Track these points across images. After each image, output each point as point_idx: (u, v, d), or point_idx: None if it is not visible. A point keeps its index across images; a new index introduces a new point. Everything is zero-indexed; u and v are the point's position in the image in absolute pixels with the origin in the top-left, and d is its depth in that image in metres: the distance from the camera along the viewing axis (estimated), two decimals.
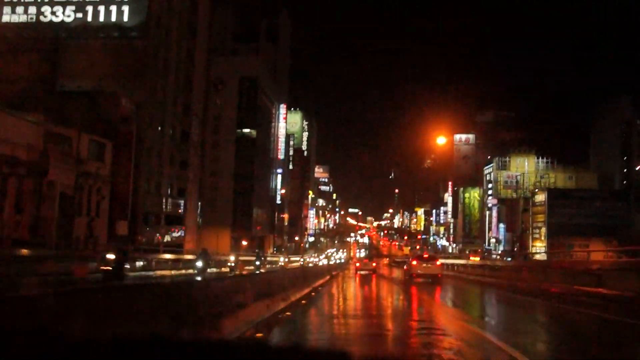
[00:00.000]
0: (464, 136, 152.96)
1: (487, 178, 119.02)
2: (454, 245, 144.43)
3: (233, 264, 42.66)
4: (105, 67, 41.29)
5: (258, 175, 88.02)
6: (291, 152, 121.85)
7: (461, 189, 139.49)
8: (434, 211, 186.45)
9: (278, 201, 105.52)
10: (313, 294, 19.98)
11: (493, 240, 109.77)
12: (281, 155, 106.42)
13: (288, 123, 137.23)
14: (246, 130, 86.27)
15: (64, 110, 35.92)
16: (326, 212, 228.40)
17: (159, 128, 46.75)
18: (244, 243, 72.68)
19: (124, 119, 37.77)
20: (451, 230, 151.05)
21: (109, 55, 42.37)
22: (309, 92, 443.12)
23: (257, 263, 38.80)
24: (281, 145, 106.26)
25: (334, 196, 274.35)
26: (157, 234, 47.79)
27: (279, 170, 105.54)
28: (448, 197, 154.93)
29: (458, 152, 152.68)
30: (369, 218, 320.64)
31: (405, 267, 37.62)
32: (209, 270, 31.04)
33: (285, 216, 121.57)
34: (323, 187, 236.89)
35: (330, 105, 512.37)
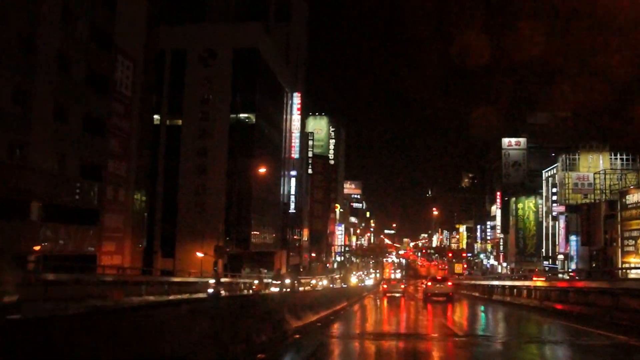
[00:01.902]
0: (513, 139, 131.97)
1: (550, 182, 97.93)
2: (505, 264, 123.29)
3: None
4: None
5: (260, 174, 69.01)
6: (310, 154, 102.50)
7: (512, 199, 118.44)
8: (478, 227, 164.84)
9: (292, 209, 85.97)
10: None
11: (561, 256, 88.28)
12: (295, 154, 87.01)
13: (313, 129, 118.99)
14: (242, 115, 67.30)
15: None
16: (357, 230, 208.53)
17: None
18: (199, 254, 52.31)
19: None
20: (501, 248, 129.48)
21: None
22: (334, 101, 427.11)
23: None
24: (295, 141, 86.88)
25: (368, 214, 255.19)
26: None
27: (293, 173, 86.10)
28: (496, 210, 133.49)
29: (507, 158, 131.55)
30: (405, 239, 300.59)
31: (423, 286, 43.55)
32: None
33: (305, 231, 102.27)
34: (356, 204, 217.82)
35: (360, 118, 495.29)
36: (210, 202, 63.38)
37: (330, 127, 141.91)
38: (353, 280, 76.21)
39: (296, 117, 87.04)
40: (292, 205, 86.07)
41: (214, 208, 63.12)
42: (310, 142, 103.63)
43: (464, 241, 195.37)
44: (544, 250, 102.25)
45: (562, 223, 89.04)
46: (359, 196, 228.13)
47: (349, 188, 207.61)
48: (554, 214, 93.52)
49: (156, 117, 67.81)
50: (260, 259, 71.65)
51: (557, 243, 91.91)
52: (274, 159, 76.94)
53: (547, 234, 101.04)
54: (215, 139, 64.85)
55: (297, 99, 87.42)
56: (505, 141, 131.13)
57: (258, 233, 70.25)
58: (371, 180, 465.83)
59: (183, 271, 51.67)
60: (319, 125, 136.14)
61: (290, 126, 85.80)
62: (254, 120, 67.42)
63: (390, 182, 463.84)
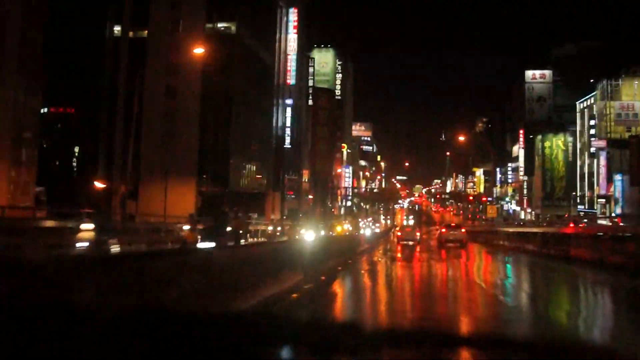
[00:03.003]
0: (537, 72, 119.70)
1: (586, 114, 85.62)
2: (529, 210, 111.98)
3: None
4: None
5: (245, 99, 56.96)
6: (311, 83, 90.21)
7: (538, 137, 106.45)
8: (497, 170, 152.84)
9: (287, 144, 74.13)
10: None
11: (601, 200, 76.49)
12: (291, 80, 74.73)
13: (318, 63, 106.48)
14: (221, 25, 54.97)
15: None
16: (367, 174, 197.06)
17: None
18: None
19: None
20: (524, 192, 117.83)
21: None
22: (342, 34, 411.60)
23: None
24: (291, 64, 74.48)
25: (379, 158, 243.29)
26: None
27: (288, 102, 73.95)
28: (519, 150, 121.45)
29: (531, 92, 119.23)
30: (418, 185, 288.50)
31: (437, 233, 47.22)
32: None
33: (306, 172, 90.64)
34: (365, 147, 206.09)
35: (369, 57, 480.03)
36: (181, 133, 51.64)
37: (337, 60, 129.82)
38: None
39: (292, 37, 74.42)
40: (288, 140, 74.18)
41: (186, 139, 51.49)
42: (311, 69, 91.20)
43: (482, 185, 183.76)
44: (578, 193, 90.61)
45: (602, 161, 77.06)
46: (369, 139, 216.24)
47: (359, 130, 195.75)
48: (593, 150, 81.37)
49: (117, 28, 55.89)
50: (249, 201, 60.00)
51: (596, 184, 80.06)
52: (263, 83, 64.87)
53: (581, 175, 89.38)
54: (187, 53, 52.66)
55: (293, 15, 74.68)
56: (529, 74, 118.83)
57: (241, 170, 58.77)
58: (382, 123, 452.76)
59: (150, 215, 40.45)
60: (325, 59, 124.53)
61: (286, 47, 73.35)
62: (235, 30, 54.99)
63: (402, 126, 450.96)
